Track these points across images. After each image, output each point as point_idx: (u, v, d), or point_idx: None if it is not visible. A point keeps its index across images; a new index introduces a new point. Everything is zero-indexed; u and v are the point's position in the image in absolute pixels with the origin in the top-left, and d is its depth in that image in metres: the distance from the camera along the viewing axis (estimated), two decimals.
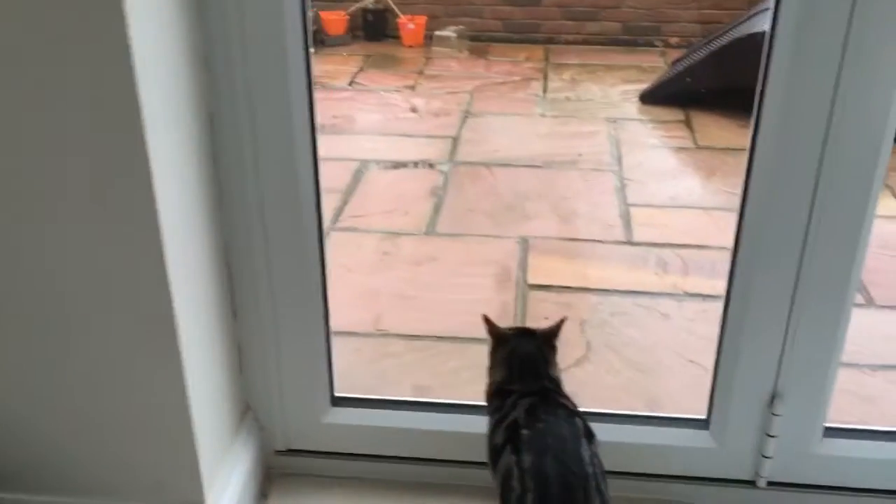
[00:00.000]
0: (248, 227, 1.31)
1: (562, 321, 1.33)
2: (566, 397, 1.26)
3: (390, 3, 4.72)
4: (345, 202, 2.84)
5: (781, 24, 1.13)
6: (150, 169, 1.04)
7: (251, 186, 1.28)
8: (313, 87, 1.27)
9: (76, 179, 1.06)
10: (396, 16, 4.71)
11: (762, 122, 1.21)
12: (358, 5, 4.73)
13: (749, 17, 3.58)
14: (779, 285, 1.27)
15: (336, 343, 1.50)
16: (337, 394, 1.50)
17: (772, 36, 1.15)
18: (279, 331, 1.40)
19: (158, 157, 1.05)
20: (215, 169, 1.25)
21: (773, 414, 1.35)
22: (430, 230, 2.69)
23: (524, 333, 1.34)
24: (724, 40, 3.61)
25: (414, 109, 3.50)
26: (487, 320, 1.33)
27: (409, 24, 4.66)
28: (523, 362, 1.28)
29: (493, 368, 1.31)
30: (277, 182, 1.28)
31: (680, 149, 3.45)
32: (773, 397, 1.34)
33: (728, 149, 3.33)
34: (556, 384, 1.28)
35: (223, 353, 1.35)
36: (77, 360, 1.19)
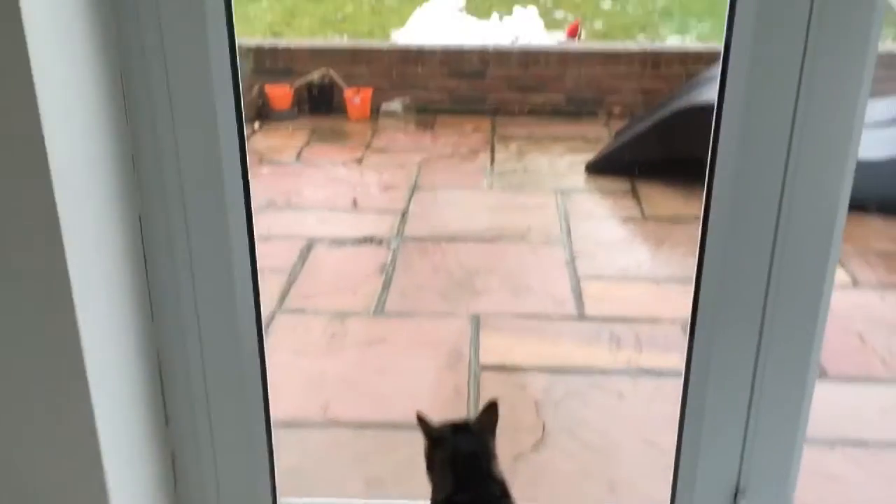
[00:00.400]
0: (180, 319, 1.23)
1: (494, 404, 1.25)
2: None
3: (336, 76, 4.72)
4: (291, 283, 2.76)
5: (729, 93, 1.12)
6: (70, 275, 0.97)
7: (184, 278, 1.21)
8: (247, 163, 1.21)
9: None
10: (342, 89, 4.71)
11: (714, 192, 1.18)
12: (303, 79, 4.72)
13: (689, 90, 3.65)
14: (739, 361, 1.24)
15: (282, 435, 1.43)
16: (281, 499, 1.41)
17: (719, 106, 1.14)
18: (215, 434, 1.31)
19: (80, 259, 0.98)
20: (144, 250, 1.18)
21: None
22: (379, 310, 2.63)
23: (462, 430, 1.24)
24: (666, 112, 3.67)
25: (355, 203, 3.49)
26: (421, 420, 1.24)
27: (355, 98, 4.66)
28: (466, 465, 1.21)
29: (434, 473, 1.24)
30: (211, 273, 1.21)
31: (628, 219, 3.47)
32: (737, 492, 1.30)
33: (674, 218, 3.35)
34: (501, 487, 1.21)
35: (154, 465, 1.26)
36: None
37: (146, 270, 1.20)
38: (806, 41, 1.06)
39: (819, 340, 1.23)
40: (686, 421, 1.30)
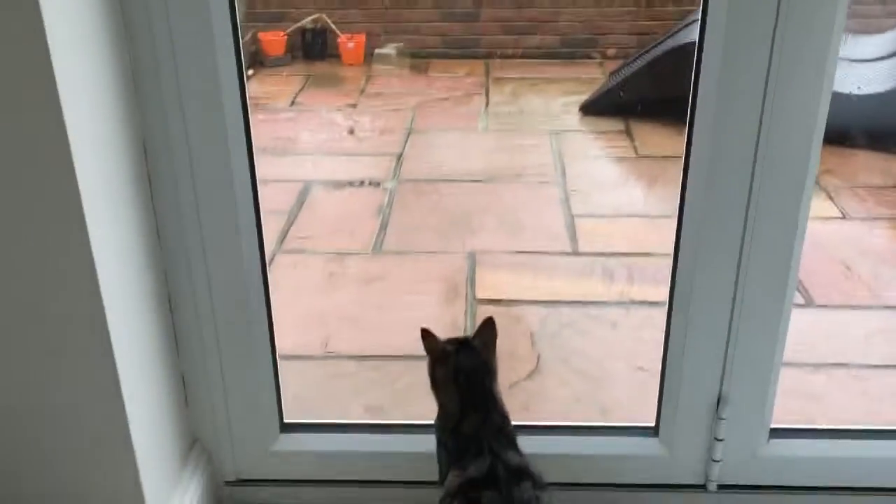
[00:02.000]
0: (188, 256, 1.29)
1: (491, 320, 1.28)
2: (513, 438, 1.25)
3: (329, 22, 4.71)
4: (290, 224, 2.81)
5: (709, 32, 1.16)
6: (83, 206, 1.02)
7: (189, 213, 1.26)
8: (248, 108, 1.25)
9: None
10: (336, 35, 4.70)
11: (695, 130, 1.23)
12: (296, 25, 4.71)
13: (681, 28, 3.66)
14: (719, 288, 1.29)
15: (285, 367, 1.48)
16: (286, 420, 1.48)
17: (700, 44, 1.18)
18: (223, 360, 1.37)
19: (89, 182, 1.03)
20: (151, 197, 1.23)
21: (720, 418, 1.37)
22: (377, 249, 2.68)
23: (464, 345, 1.28)
24: (658, 51, 3.68)
25: (351, 131, 3.49)
26: (426, 335, 1.28)
27: (349, 43, 4.65)
28: (469, 381, 1.26)
29: (437, 389, 1.29)
30: (216, 208, 1.26)
31: (621, 159, 3.50)
32: (719, 401, 1.36)
33: (668, 157, 3.39)
34: (499, 407, 1.26)
35: (166, 386, 1.32)
36: (17, 391, 1.15)
37: (155, 215, 1.24)
38: None
39: (796, 263, 1.28)
40: (670, 338, 1.36)
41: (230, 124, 1.22)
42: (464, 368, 1.26)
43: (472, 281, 2.46)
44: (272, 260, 2.56)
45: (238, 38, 1.20)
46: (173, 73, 1.17)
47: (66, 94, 0.97)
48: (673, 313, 1.35)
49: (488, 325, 1.28)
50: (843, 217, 2.82)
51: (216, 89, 1.18)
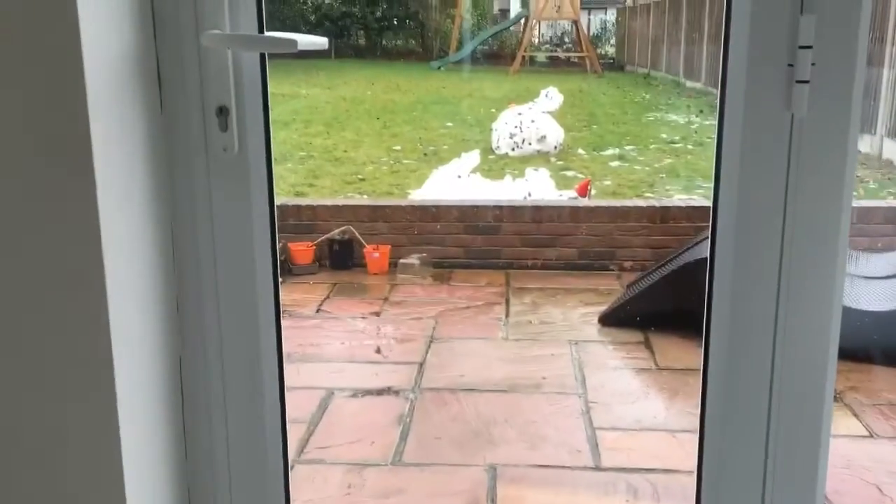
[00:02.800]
0: (213, 467, 1.30)
1: None
2: None
3: (356, 233, 4.92)
4: (310, 433, 2.80)
5: (719, 248, 1.22)
6: (118, 419, 1.05)
7: (218, 425, 1.28)
8: (281, 316, 1.31)
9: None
10: (362, 245, 4.90)
11: (711, 345, 1.26)
12: (325, 237, 4.92)
13: (696, 244, 3.79)
14: None
15: None
16: None
17: (711, 259, 1.24)
18: None
19: (126, 405, 1.07)
20: (182, 401, 1.26)
21: None
22: (397, 460, 2.65)
23: None
24: (675, 265, 3.79)
25: (378, 350, 3.58)
26: None
27: (374, 253, 4.83)
28: None
29: None
30: (244, 418, 1.29)
31: (641, 370, 3.51)
32: None
33: (688, 369, 3.40)
34: None
35: None
36: (13, 440, 1.13)
37: (184, 429, 1.27)
38: (786, 188, 1.18)
39: (822, 479, 1.27)
40: None
41: (263, 331, 1.27)
42: None
43: (492, 496, 2.41)
44: (291, 469, 2.53)
45: (275, 248, 1.28)
46: (213, 277, 1.24)
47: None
48: None
49: None
50: (871, 436, 2.78)
51: (252, 295, 1.25)
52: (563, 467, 2.63)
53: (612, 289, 4.52)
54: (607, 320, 3.99)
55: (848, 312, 1.24)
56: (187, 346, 1.26)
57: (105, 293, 1.02)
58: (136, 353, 1.12)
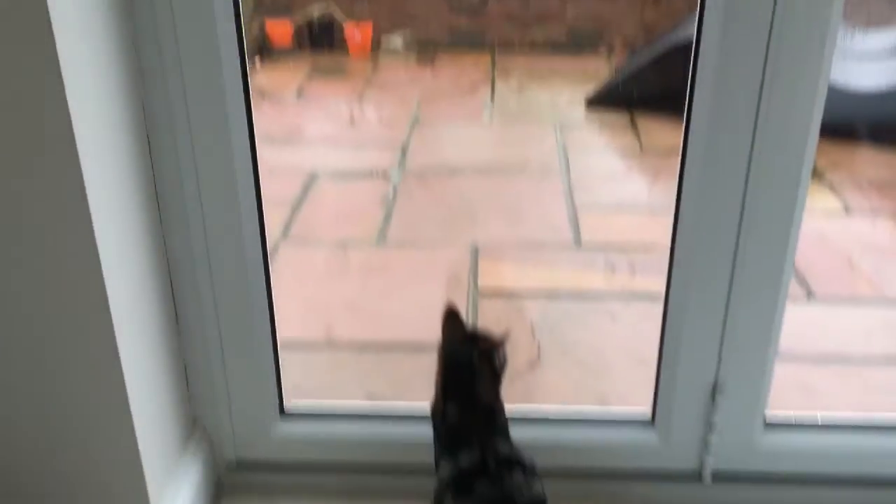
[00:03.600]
0: (190, 242, 1.30)
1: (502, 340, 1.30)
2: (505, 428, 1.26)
3: (336, 12, 4.72)
4: (294, 214, 2.83)
5: (706, 27, 1.17)
6: (87, 193, 1.03)
7: (191, 201, 1.27)
8: (250, 95, 1.27)
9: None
10: (342, 25, 4.71)
11: (692, 123, 1.24)
12: (304, 15, 4.72)
13: (687, 23, 3.66)
14: (715, 279, 1.30)
15: (287, 356, 1.50)
16: (286, 406, 1.50)
17: (697, 38, 1.19)
18: (225, 346, 1.39)
19: (91, 169, 1.04)
20: (155, 182, 1.25)
21: (715, 406, 1.38)
22: (381, 240, 2.69)
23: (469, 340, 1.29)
24: (666, 46, 3.68)
25: (351, 119, 3.51)
26: (450, 313, 1.30)
27: (356, 34, 4.66)
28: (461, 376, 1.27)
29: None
30: (218, 194, 1.28)
31: (626, 152, 3.51)
32: (714, 390, 1.37)
33: (673, 151, 3.38)
34: (496, 411, 1.27)
35: (167, 369, 1.34)
36: (17, 375, 1.17)
37: (159, 207, 1.26)
38: None
39: (792, 253, 1.29)
40: (667, 327, 1.37)
41: (231, 112, 1.23)
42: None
43: (474, 272, 2.47)
44: (276, 249, 2.57)
45: (241, 23, 1.21)
46: (177, 60, 1.18)
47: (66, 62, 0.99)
48: (669, 302, 1.36)
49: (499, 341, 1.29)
50: (847, 211, 2.83)
51: (219, 77, 1.20)
52: (544, 245, 2.68)
53: (600, 71, 4.42)
54: (594, 103, 3.92)
55: (837, 91, 1.20)
56: (155, 119, 1.21)
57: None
58: (103, 134, 1.08)
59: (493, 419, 1.25)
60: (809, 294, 2.32)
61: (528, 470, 1.20)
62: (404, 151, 3.42)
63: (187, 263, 1.32)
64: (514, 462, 1.20)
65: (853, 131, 3.08)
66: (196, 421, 1.46)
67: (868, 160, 3.18)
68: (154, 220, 1.26)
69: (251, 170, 1.29)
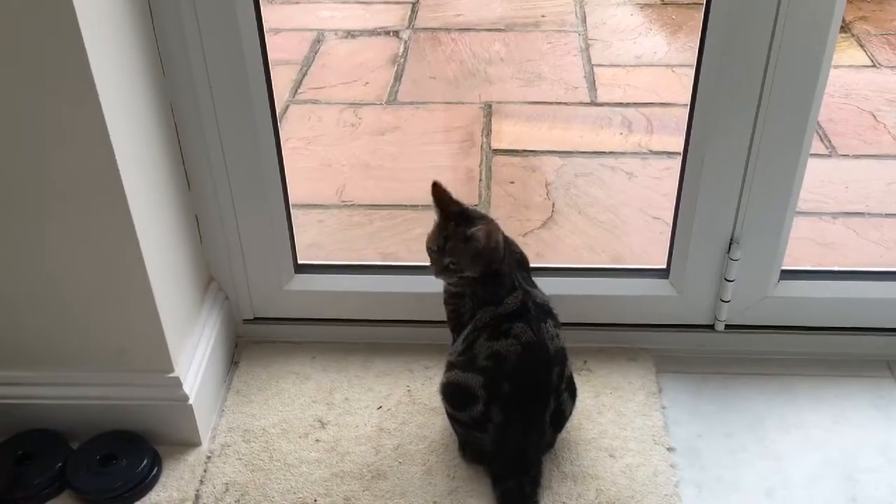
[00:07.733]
0: (197, 102, 1.27)
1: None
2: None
3: None
4: (303, 74, 2.75)
5: None
6: (88, 57, 0.99)
7: (195, 58, 1.23)
8: None
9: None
10: None
11: None
12: None
13: None
14: (736, 135, 1.27)
15: (300, 215, 1.49)
16: (300, 261, 1.50)
17: None
18: (236, 203, 1.38)
19: (97, 44, 1.00)
20: (157, 42, 1.20)
21: (731, 259, 1.37)
22: (392, 99, 2.63)
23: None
24: None
25: None
26: (437, 189, 1.30)
27: None
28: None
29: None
30: (222, 54, 1.23)
31: (645, 5, 3.36)
32: (731, 243, 1.36)
33: (694, 4, 3.25)
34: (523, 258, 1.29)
35: (179, 224, 1.33)
36: (33, 233, 1.17)
37: (161, 64, 1.22)
38: None
39: (816, 107, 1.24)
40: (684, 180, 1.34)
41: None
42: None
43: (487, 131, 2.42)
44: (286, 110, 2.52)
45: None
46: None
47: None
48: (688, 156, 1.33)
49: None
50: (874, 65, 2.72)
51: None
52: (559, 103, 2.61)
53: None
54: None
55: None
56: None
57: None
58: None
59: (529, 269, 1.27)
60: (831, 149, 2.26)
61: (557, 322, 1.23)
62: (415, 8, 3.29)
63: (195, 124, 1.29)
64: (548, 310, 1.22)
65: None
66: (211, 277, 1.47)
67: None
68: (158, 78, 1.22)
69: (255, 26, 1.24)
